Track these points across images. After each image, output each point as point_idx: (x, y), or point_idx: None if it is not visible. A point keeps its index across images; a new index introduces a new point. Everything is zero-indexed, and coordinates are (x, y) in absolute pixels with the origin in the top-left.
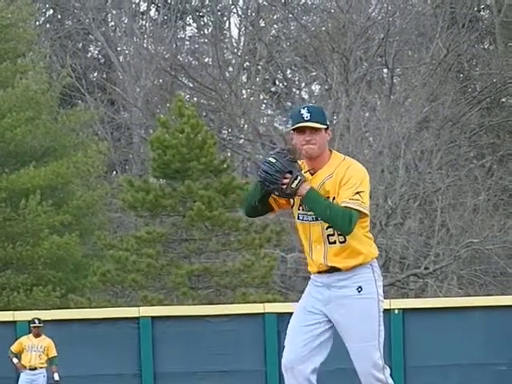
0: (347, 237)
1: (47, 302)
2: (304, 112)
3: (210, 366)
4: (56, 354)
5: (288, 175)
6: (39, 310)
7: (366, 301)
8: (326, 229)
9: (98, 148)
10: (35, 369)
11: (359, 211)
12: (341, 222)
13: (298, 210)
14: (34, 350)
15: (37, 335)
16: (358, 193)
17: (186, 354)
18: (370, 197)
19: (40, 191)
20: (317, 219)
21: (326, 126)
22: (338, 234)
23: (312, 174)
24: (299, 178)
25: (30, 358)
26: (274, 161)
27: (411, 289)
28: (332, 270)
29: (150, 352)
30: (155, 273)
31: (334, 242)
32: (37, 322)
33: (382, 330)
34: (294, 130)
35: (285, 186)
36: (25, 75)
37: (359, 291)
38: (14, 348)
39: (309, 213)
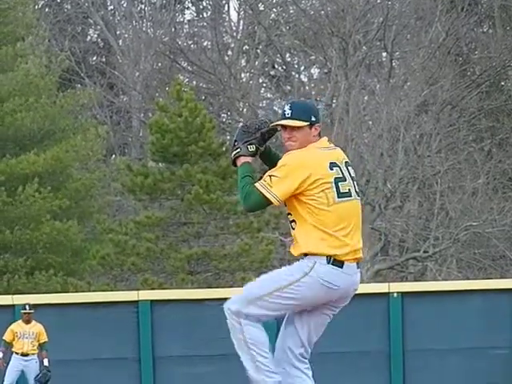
0: (295, 225)
1: (49, 286)
2: (286, 109)
3: (209, 349)
4: (47, 340)
5: (236, 144)
6: (39, 293)
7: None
8: (288, 214)
9: (98, 132)
10: (27, 355)
11: (261, 192)
12: (241, 196)
13: None
14: (26, 336)
15: (27, 321)
16: (270, 176)
17: (185, 338)
18: (368, 181)
19: (39, 176)
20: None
21: (308, 123)
22: (290, 221)
23: None
24: (238, 149)
25: (23, 344)
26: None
27: (410, 272)
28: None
29: (149, 336)
30: (154, 257)
31: (293, 229)
32: (27, 307)
33: (281, 297)
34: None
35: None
36: (24, 59)
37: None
38: (7, 337)
39: None
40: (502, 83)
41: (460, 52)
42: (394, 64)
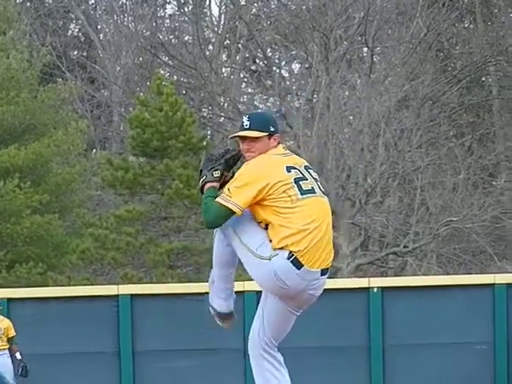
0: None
1: (29, 279)
2: (245, 120)
3: (189, 344)
4: (15, 334)
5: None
6: (17, 287)
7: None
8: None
9: (78, 126)
10: None
11: (221, 204)
12: (203, 213)
13: None
14: None
15: None
16: (228, 188)
17: (165, 332)
18: (349, 176)
19: (19, 171)
20: None
21: (266, 134)
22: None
23: None
24: (204, 177)
25: None
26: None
27: (390, 267)
28: None
29: (129, 330)
30: (134, 251)
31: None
32: None
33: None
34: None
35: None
36: (5, 53)
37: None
38: None
39: None
40: (483, 78)
41: (441, 47)
42: (374, 59)
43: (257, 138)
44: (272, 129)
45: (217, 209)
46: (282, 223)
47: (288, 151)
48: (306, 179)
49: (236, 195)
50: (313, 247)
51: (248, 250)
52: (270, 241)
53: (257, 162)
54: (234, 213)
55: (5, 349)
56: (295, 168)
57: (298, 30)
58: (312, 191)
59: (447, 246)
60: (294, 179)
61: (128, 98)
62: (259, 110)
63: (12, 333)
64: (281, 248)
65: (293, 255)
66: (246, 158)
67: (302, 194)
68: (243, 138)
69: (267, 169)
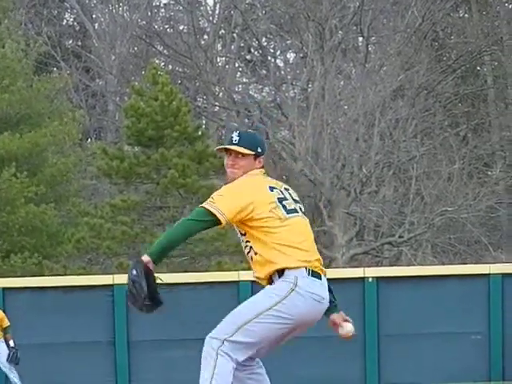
0: (256, 250)
1: (24, 269)
2: (234, 135)
3: (184, 334)
4: (9, 324)
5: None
6: (14, 277)
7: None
8: (245, 245)
9: (74, 116)
10: None
11: (204, 207)
12: (175, 229)
13: None
14: None
15: None
16: (212, 196)
17: (160, 322)
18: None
19: (15, 160)
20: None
21: (253, 153)
22: (248, 250)
23: None
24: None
25: None
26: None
27: (385, 257)
28: None
29: (124, 320)
30: (130, 240)
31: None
32: None
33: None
34: (224, 150)
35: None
36: (0, 43)
37: None
38: None
39: None
40: (478, 68)
41: (436, 37)
42: (369, 49)
43: (243, 155)
44: (259, 150)
45: (198, 211)
46: (277, 241)
47: (268, 177)
48: (287, 199)
49: (220, 202)
50: (315, 259)
51: (272, 310)
52: (279, 271)
53: (241, 182)
54: (215, 222)
55: (0, 338)
56: (276, 188)
57: (293, 19)
58: (295, 211)
59: (442, 235)
60: (278, 198)
61: (123, 88)
62: (249, 130)
63: (6, 323)
64: (290, 268)
65: (309, 270)
66: (228, 174)
67: (287, 214)
68: (229, 153)
69: (252, 187)
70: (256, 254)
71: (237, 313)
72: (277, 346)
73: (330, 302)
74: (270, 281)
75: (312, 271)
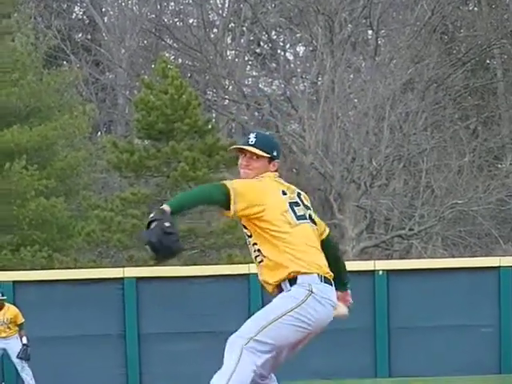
0: (264, 253)
1: (34, 262)
2: (251, 136)
3: (194, 326)
4: (23, 320)
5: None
6: (24, 270)
7: None
8: (254, 248)
9: (84, 109)
10: (6, 337)
11: (222, 183)
12: (194, 189)
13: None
14: (1, 323)
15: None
16: (233, 181)
17: (170, 315)
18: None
19: (25, 153)
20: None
21: (268, 156)
22: (257, 253)
23: None
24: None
25: (0, 331)
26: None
27: (396, 250)
28: None
29: (134, 313)
30: (140, 233)
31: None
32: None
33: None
34: (238, 150)
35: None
36: (10, 36)
37: None
38: None
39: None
40: (488, 61)
41: (445, 30)
42: (379, 42)
43: (258, 156)
44: (275, 153)
45: (217, 185)
46: (286, 245)
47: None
48: (299, 205)
49: (238, 183)
50: (325, 265)
51: (293, 313)
52: (291, 278)
53: (255, 181)
54: (225, 203)
55: (14, 334)
56: (288, 193)
57: (303, 12)
58: (304, 217)
59: (452, 228)
60: (289, 203)
61: (133, 81)
62: (267, 132)
63: (20, 320)
64: (303, 273)
65: (321, 276)
66: (240, 174)
67: (297, 220)
68: (244, 153)
69: (265, 189)
70: (265, 257)
71: (259, 315)
72: (292, 354)
73: (342, 280)
74: (279, 288)
75: (324, 277)
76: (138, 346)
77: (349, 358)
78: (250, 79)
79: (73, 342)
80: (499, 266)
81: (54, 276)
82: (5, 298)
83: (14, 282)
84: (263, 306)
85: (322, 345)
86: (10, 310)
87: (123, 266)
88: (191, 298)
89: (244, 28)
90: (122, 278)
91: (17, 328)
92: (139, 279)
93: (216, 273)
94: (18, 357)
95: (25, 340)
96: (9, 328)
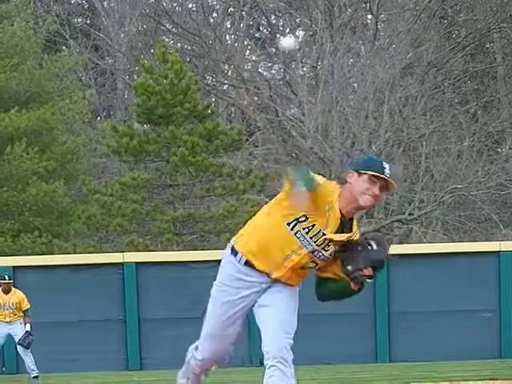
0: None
1: (34, 249)
2: (387, 167)
3: (194, 311)
4: (29, 306)
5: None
6: (24, 255)
7: None
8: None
9: (84, 94)
10: (11, 322)
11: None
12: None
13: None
14: (7, 307)
15: (6, 291)
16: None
17: (170, 300)
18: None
19: (25, 137)
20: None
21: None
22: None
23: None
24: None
25: (5, 315)
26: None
27: (395, 235)
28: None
29: (134, 298)
30: (140, 218)
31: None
32: (6, 277)
33: None
34: (370, 175)
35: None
36: (10, 21)
37: None
38: None
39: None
40: (487, 46)
41: (445, 14)
42: (379, 26)
43: (389, 190)
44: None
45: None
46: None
47: None
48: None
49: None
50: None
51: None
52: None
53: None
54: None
55: (18, 319)
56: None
57: None
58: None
59: (452, 213)
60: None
61: (132, 66)
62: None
63: (26, 305)
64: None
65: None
66: (366, 200)
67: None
68: (375, 182)
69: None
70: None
71: (287, 317)
72: None
73: None
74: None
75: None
76: (138, 330)
77: (349, 343)
78: (249, 64)
79: (73, 327)
80: (499, 251)
81: (53, 261)
82: (11, 281)
83: (14, 267)
84: None
85: (322, 330)
86: (17, 295)
87: (123, 251)
88: (191, 283)
89: (243, 12)
90: (122, 263)
91: (21, 314)
92: (139, 264)
93: (216, 258)
94: (18, 343)
95: (28, 327)
96: (14, 314)
